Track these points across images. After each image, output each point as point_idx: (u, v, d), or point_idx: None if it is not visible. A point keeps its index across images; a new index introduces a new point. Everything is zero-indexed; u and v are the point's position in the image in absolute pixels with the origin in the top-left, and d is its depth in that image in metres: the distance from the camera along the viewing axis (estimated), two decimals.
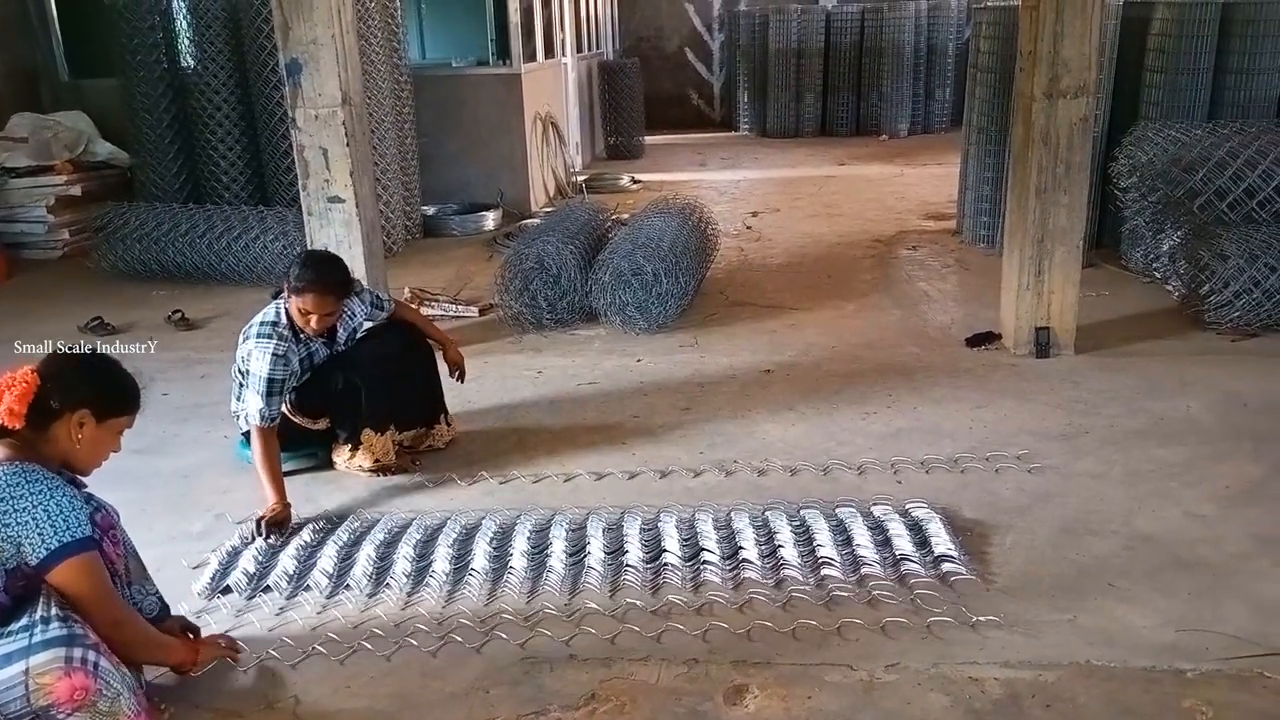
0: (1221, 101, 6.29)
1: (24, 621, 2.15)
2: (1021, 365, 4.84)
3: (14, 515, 2.17)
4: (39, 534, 2.19)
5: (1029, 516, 3.42)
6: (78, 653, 2.13)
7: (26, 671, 2.08)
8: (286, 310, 3.68)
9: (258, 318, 3.71)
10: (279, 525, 3.42)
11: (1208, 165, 5.33)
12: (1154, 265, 5.90)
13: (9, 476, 2.19)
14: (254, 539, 3.36)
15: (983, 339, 5.14)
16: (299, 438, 3.86)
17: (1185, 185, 5.37)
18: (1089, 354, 4.92)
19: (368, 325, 4.05)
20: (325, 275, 3.65)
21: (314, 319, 3.63)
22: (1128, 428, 4.11)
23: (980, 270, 6.56)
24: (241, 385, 3.72)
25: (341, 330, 3.86)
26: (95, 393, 2.39)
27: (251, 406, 3.58)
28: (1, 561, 2.18)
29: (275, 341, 3.62)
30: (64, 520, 2.22)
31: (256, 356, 3.60)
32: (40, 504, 2.19)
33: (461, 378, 4.22)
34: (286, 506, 3.50)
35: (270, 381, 3.58)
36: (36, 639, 2.12)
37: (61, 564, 2.21)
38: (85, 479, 2.48)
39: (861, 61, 13.95)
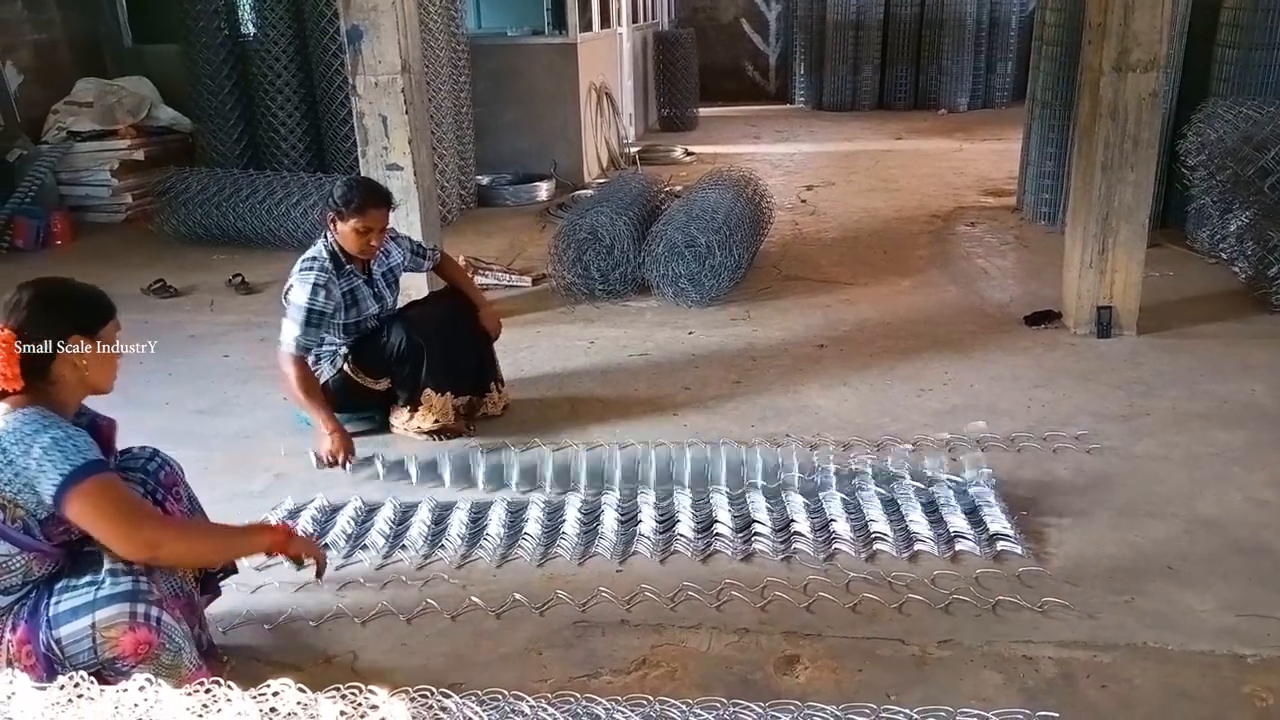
0: None
1: (89, 576, 2.20)
2: (1082, 345, 4.76)
3: (23, 458, 2.10)
4: (45, 469, 2.10)
5: (1087, 497, 3.38)
6: (141, 608, 2.16)
7: (93, 625, 2.13)
8: (327, 246, 3.77)
9: (299, 259, 3.82)
10: (348, 451, 3.65)
11: None
12: (1220, 245, 5.76)
13: (15, 421, 2.14)
14: (342, 466, 3.63)
15: (1042, 318, 5.05)
16: (359, 399, 3.93)
17: (1256, 164, 5.22)
18: (1151, 335, 4.83)
19: (421, 278, 4.11)
20: (376, 190, 3.81)
21: (373, 236, 3.73)
22: (1189, 410, 4.03)
23: (1040, 248, 6.45)
24: None
25: (376, 266, 3.92)
26: (73, 314, 2.28)
27: (286, 334, 3.68)
28: (31, 511, 2.14)
29: (315, 273, 3.70)
30: (65, 448, 2.11)
31: (296, 288, 3.70)
32: (40, 440, 2.11)
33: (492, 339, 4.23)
34: (343, 431, 3.68)
35: (309, 311, 3.66)
36: (102, 593, 2.16)
37: (71, 492, 2.10)
38: (107, 413, 2.43)
39: (921, 34, 13.71)
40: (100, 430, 2.38)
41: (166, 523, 2.38)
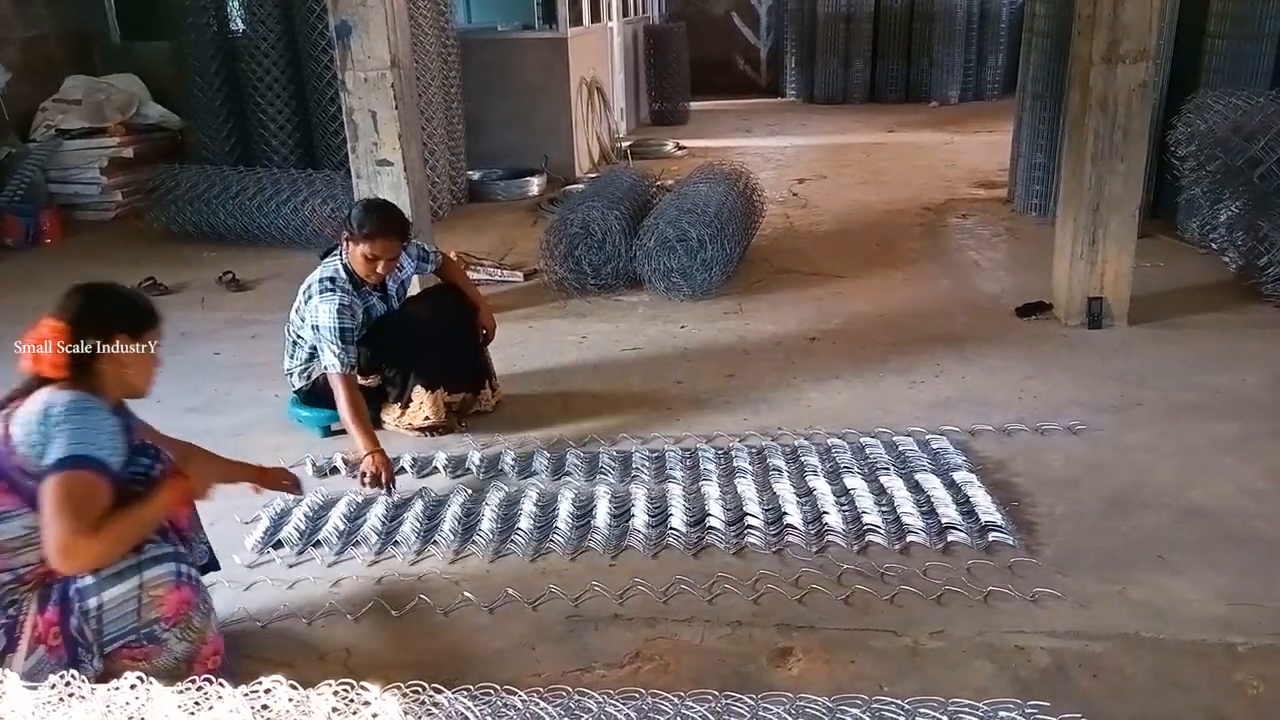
0: None
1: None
2: (1073, 336, 4.77)
3: (57, 428, 2.16)
4: (58, 440, 2.16)
5: (1078, 488, 3.39)
6: (184, 568, 2.28)
7: (140, 585, 2.20)
8: (343, 265, 3.73)
9: (314, 278, 3.74)
10: (389, 471, 3.48)
11: (1270, 133, 5.19)
12: (1210, 236, 5.77)
13: (69, 403, 2.21)
14: (388, 493, 3.43)
15: (1033, 309, 5.06)
16: None
17: (1246, 154, 5.23)
18: (1142, 325, 4.84)
19: (415, 278, 4.11)
20: (390, 219, 3.72)
21: (380, 264, 3.68)
22: (1181, 401, 4.04)
23: (1031, 239, 6.46)
24: (295, 344, 3.82)
25: (391, 282, 3.90)
26: (121, 315, 2.37)
27: (329, 358, 3.62)
28: (36, 462, 2.18)
29: (339, 294, 3.66)
30: (89, 435, 2.18)
31: (324, 311, 3.63)
32: (79, 424, 2.18)
33: (486, 342, 4.18)
34: (383, 452, 3.50)
35: (342, 330, 3.62)
36: (147, 555, 2.23)
37: (54, 473, 2.14)
38: (139, 414, 2.49)
39: (912, 26, 13.71)
40: (131, 432, 2.43)
41: (97, 542, 2.18)
